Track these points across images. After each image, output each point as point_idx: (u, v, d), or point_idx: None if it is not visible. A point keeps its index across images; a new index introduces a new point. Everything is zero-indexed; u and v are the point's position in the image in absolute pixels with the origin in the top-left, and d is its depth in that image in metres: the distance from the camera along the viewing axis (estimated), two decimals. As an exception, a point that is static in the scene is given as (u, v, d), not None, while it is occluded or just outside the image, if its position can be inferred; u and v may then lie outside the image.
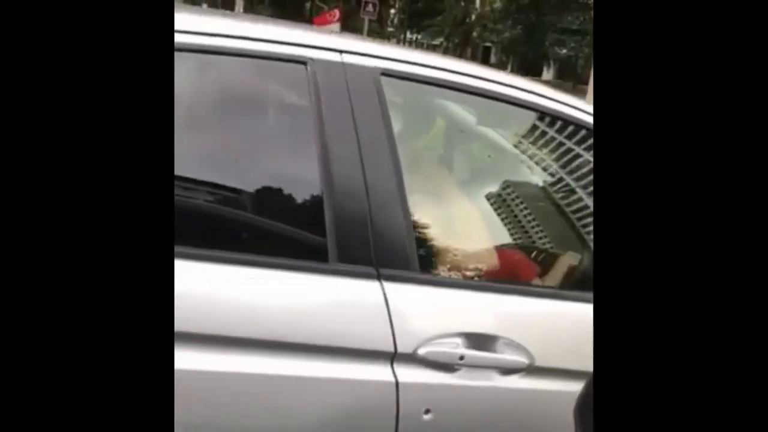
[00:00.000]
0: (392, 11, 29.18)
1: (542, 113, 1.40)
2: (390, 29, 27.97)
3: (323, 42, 1.21)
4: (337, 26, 9.62)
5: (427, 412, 1.11)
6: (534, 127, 1.48)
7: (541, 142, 1.49)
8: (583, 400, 0.89)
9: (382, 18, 24.51)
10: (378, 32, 20.88)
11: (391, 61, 1.24)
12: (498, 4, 23.62)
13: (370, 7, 13.80)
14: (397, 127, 1.22)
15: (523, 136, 1.54)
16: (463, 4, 25.28)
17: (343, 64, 1.19)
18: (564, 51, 21.65)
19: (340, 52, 1.20)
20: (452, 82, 1.29)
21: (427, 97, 1.48)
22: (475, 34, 24.89)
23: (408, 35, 28.03)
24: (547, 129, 1.46)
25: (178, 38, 1.07)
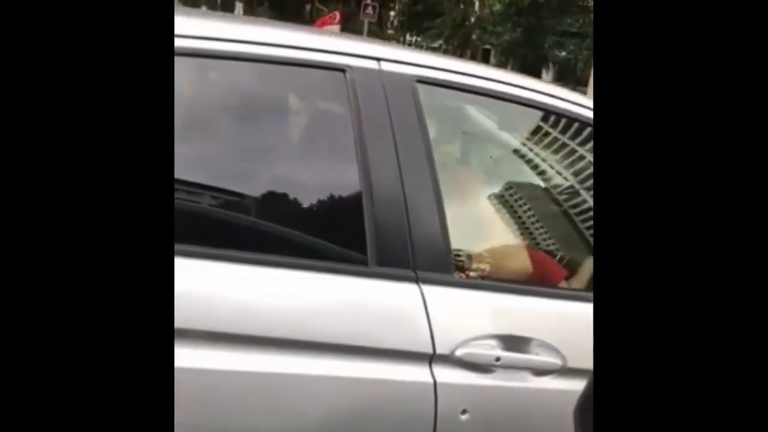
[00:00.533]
0: (392, 13, 29.19)
1: (576, 120, 1.42)
2: (390, 31, 27.97)
3: (361, 50, 1.24)
4: (337, 28, 9.62)
5: (464, 412, 1.13)
6: (568, 134, 1.50)
7: (574, 148, 1.51)
8: (583, 400, 0.89)
9: (381, 20, 24.51)
10: (377, 34, 20.86)
11: (426, 69, 1.27)
12: (497, 7, 23.61)
13: (369, 9, 13.81)
14: (431, 132, 1.25)
15: (557, 142, 1.56)
16: (462, 6, 25.29)
17: (380, 72, 1.22)
18: (563, 53, 21.66)
19: (378, 59, 1.23)
20: (487, 89, 1.32)
21: (461, 104, 1.51)
22: (474, 36, 24.88)
23: (407, 37, 28.05)
24: (581, 136, 1.48)
25: (225, 47, 1.13)
